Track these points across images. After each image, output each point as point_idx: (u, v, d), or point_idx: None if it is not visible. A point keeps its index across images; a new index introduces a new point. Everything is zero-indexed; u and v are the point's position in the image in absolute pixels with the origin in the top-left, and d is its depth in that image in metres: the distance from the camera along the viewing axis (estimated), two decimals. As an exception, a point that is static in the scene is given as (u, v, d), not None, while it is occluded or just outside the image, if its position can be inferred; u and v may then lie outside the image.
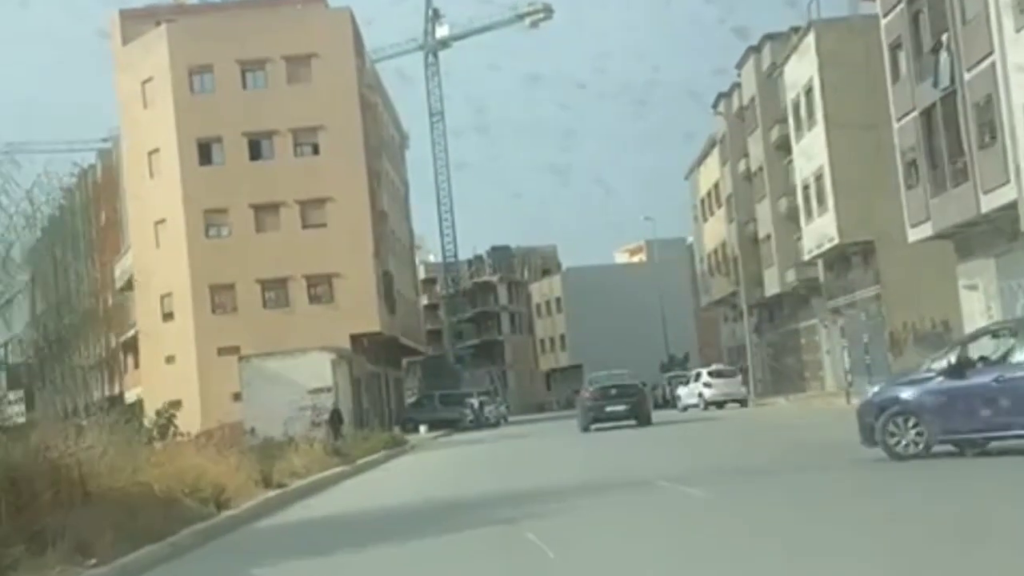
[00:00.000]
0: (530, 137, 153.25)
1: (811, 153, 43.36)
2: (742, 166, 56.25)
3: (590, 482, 14.10)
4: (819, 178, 43.12)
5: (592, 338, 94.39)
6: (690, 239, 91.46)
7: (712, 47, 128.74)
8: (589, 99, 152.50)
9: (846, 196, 41.06)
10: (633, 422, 31.35)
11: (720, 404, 42.50)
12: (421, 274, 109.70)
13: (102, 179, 75.64)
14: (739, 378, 43.78)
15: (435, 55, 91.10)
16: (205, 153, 51.79)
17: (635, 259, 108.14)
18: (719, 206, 64.90)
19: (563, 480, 14.97)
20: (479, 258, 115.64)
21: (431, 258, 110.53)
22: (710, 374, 43.69)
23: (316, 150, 51.92)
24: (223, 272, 50.39)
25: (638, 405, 31.71)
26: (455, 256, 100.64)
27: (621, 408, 31.20)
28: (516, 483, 15.42)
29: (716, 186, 64.75)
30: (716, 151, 63.58)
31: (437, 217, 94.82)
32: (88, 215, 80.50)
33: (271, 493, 16.87)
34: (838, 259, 44.84)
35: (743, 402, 42.47)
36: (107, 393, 74.46)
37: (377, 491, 17.98)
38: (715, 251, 66.87)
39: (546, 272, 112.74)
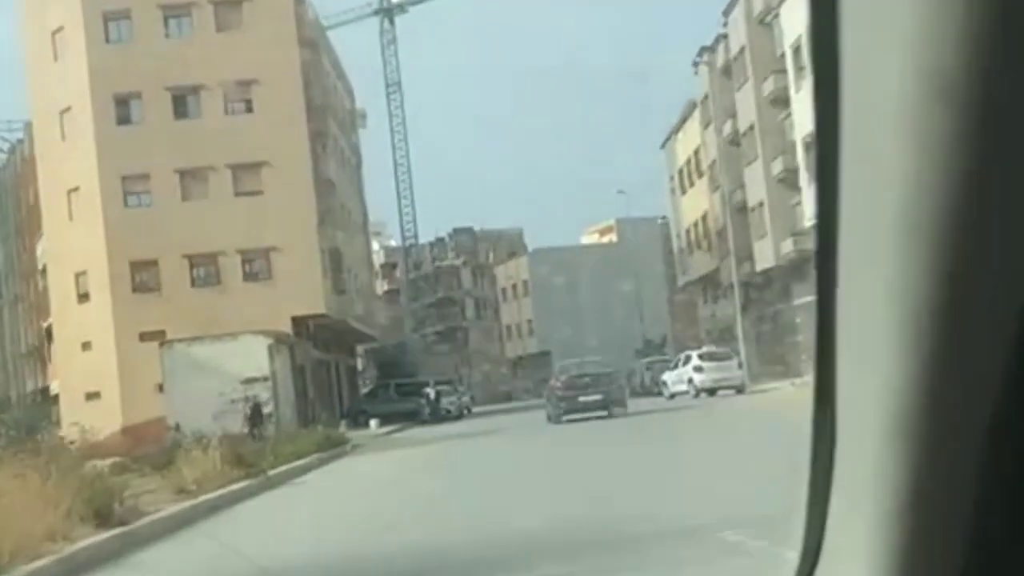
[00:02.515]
0: (490, 114, 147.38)
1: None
2: (728, 128, 50.63)
3: (601, 533, 8.21)
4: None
5: (560, 323, 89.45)
6: (663, 218, 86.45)
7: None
8: (548, 75, 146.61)
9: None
10: (605, 413, 28.61)
11: (712, 391, 36.93)
12: (381, 259, 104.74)
13: (30, 154, 69.10)
14: (734, 361, 38.07)
15: (391, 21, 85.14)
16: (123, 111, 45.63)
17: (605, 239, 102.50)
18: (699, 175, 59.35)
19: (545, 522, 9.13)
20: (441, 241, 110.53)
21: (392, 243, 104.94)
22: (701, 357, 37.93)
23: (250, 107, 45.86)
24: (145, 246, 44.28)
25: (613, 395, 29.26)
26: (415, 238, 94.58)
27: (595, 398, 28.71)
28: (468, 526, 9.62)
29: (696, 153, 59.16)
30: (697, 114, 58.00)
31: (396, 196, 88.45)
32: (18, 194, 74.40)
33: (100, 537, 11.01)
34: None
35: (740, 389, 36.86)
36: (39, 384, 68.69)
37: (265, 532, 12.11)
38: (695, 225, 61.36)
39: (512, 255, 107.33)
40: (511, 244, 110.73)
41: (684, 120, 61.71)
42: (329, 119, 52.83)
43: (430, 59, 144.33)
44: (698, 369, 37.25)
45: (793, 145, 42.88)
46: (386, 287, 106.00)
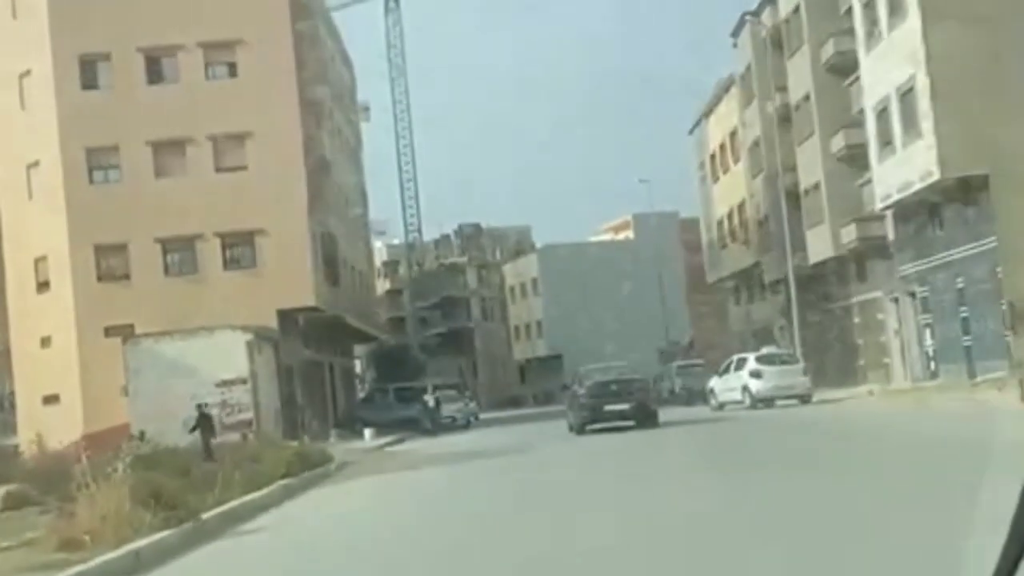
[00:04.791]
0: (497, 106, 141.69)
1: (894, 62, 32.04)
2: (775, 103, 44.70)
3: None
4: (907, 94, 31.77)
5: (573, 325, 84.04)
6: (683, 213, 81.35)
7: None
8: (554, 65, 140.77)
9: (951, 114, 29.82)
10: (632, 423, 26.30)
11: (770, 401, 31.21)
12: (384, 256, 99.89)
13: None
14: (799, 366, 32.19)
15: (396, 0, 79.37)
16: (89, 74, 40.04)
17: (620, 236, 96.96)
18: (736, 160, 53.65)
19: None
20: (446, 237, 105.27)
21: (396, 242, 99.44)
22: (759, 360, 32.06)
23: (233, 71, 40.28)
24: (112, 228, 38.77)
25: (642, 404, 26.75)
26: (419, 233, 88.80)
27: (622, 407, 26.42)
28: None
29: (733, 135, 53.46)
30: (734, 91, 52.27)
31: (399, 188, 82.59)
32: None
33: None
34: (921, 208, 33.63)
35: (805, 398, 31.09)
36: (10, 387, 63.33)
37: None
38: (729, 216, 55.67)
39: (519, 253, 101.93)
40: (519, 241, 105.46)
41: (718, 100, 56.04)
42: (325, 91, 47.17)
43: (437, 50, 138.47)
44: (755, 375, 31.41)
45: (858, 117, 37.30)
46: (388, 286, 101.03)
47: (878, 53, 33.72)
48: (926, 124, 30.59)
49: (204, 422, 22.38)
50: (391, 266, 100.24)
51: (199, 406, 23.28)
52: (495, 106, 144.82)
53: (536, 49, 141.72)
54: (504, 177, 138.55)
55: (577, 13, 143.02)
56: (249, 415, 34.28)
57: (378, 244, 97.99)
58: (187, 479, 15.95)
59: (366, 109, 69.99)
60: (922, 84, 30.57)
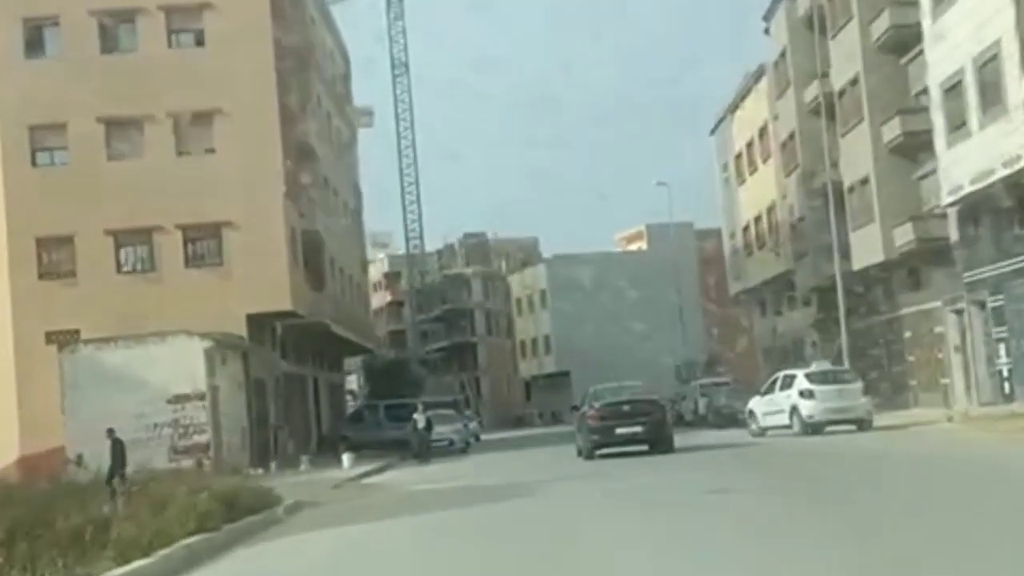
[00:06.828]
0: (505, 114, 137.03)
1: (971, 28, 26.97)
2: (812, 91, 39.70)
3: None
4: (988, 64, 26.67)
5: (582, 340, 79.53)
6: (699, 225, 76.82)
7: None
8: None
9: (1046, 85, 24.78)
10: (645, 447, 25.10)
11: (819, 427, 26.13)
12: (385, 267, 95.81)
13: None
14: (858, 385, 27.02)
15: (400, -7, 74.59)
16: (34, 40, 35.19)
17: (633, 247, 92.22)
18: (766, 159, 48.65)
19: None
20: (450, 248, 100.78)
21: (398, 251, 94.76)
22: (810, 378, 26.89)
23: (200, 39, 35.36)
24: (57, 218, 33.88)
25: (658, 426, 25.32)
26: (420, 240, 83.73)
27: (636, 430, 25.11)
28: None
29: (763, 130, 48.46)
30: (765, 83, 47.33)
31: (400, 192, 77.37)
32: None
33: None
34: (998, 202, 28.56)
35: (863, 423, 25.97)
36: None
37: None
38: (757, 220, 50.66)
39: (526, 265, 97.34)
40: (526, 252, 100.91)
41: (745, 94, 51.05)
42: (311, 71, 42.30)
43: (444, 53, 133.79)
44: (806, 394, 26.26)
45: (916, 101, 32.31)
46: (389, 298, 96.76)
47: (949, 19, 28.66)
48: (1014, 99, 25.52)
49: (115, 449, 17.32)
50: (393, 277, 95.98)
51: (109, 431, 18.20)
52: (503, 111, 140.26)
53: (547, 53, 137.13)
54: (511, 186, 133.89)
55: (587, 17, 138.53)
56: (206, 437, 29.46)
57: (380, 255, 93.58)
58: (41, 540, 10.89)
59: (369, 114, 65.46)
60: (1009, 51, 25.52)
